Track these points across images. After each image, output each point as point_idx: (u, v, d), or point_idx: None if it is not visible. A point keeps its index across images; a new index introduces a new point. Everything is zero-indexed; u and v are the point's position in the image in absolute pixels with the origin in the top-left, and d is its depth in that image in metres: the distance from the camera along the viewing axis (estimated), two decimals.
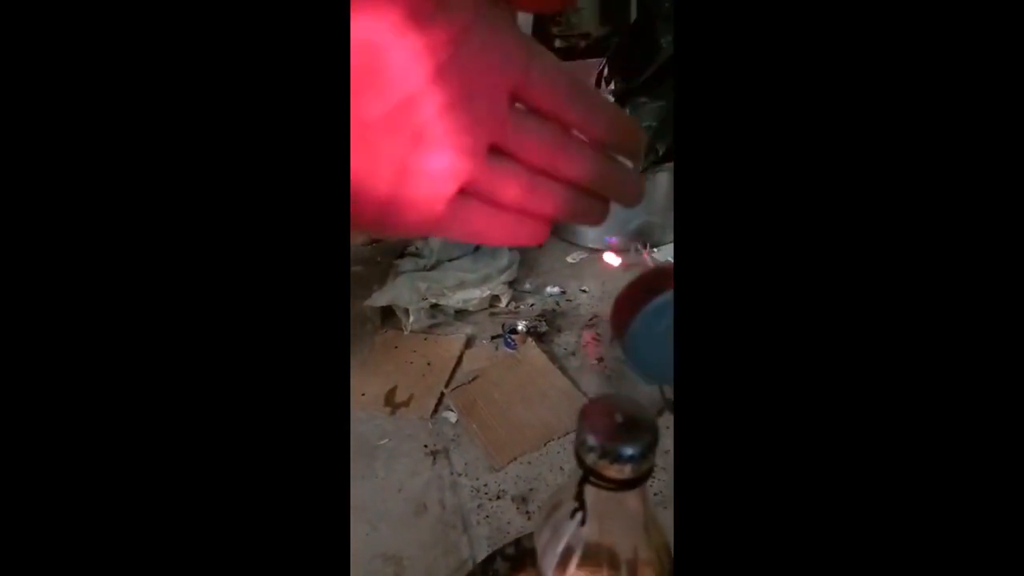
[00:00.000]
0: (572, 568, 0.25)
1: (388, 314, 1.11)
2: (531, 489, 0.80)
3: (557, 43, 1.53)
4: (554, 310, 1.11)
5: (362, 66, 0.16)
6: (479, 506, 0.80)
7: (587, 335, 1.05)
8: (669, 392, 0.24)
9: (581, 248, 1.24)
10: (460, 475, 0.84)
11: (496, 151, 0.18)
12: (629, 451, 0.21)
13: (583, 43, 1.41)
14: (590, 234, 1.21)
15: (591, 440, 0.21)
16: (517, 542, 0.45)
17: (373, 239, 1.33)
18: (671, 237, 1.25)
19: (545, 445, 0.86)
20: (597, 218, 0.21)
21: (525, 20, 1.69)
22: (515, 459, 0.84)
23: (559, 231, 1.29)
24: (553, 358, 1.00)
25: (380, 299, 1.13)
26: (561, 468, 0.82)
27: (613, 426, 0.22)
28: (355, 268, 1.26)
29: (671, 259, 0.23)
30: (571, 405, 0.91)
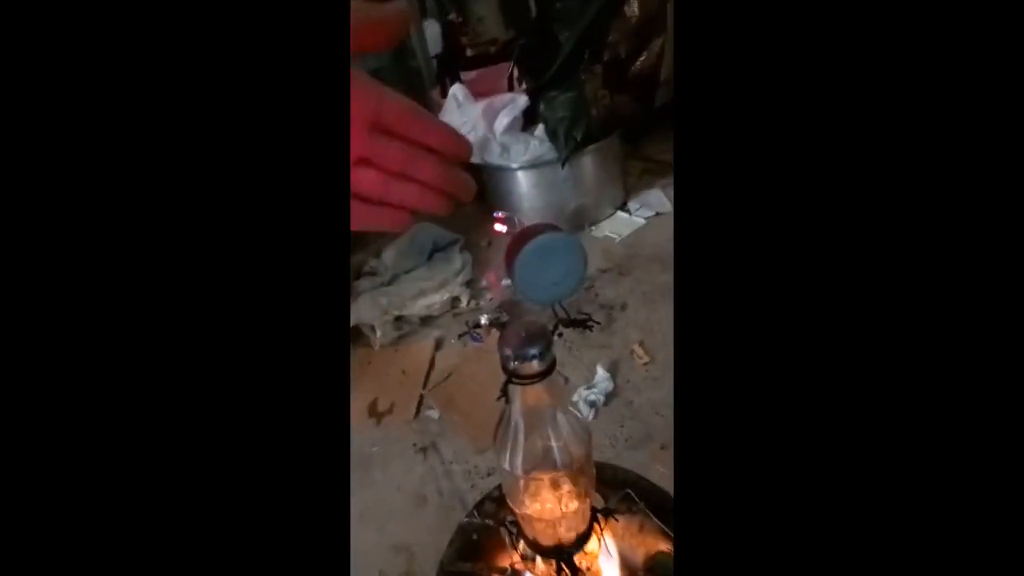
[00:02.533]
0: (519, 455, 0.32)
1: (356, 334, 1.17)
2: None
3: (468, 52, 1.60)
4: (511, 299, 1.19)
5: None
6: (473, 486, 0.86)
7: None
8: (559, 311, 0.32)
9: (503, 236, 1.32)
10: (451, 463, 0.90)
11: (362, 163, 0.26)
12: (532, 351, 0.29)
13: (492, 49, 1.50)
14: (508, 225, 1.29)
15: (507, 351, 0.29)
16: (500, 486, 0.52)
17: None
18: (606, 213, 1.34)
19: None
20: (445, 209, 0.28)
21: (434, 34, 1.74)
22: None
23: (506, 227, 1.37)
24: None
25: None
26: None
27: (520, 339, 0.29)
28: None
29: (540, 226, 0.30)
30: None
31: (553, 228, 0.29)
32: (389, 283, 1.26)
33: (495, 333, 1.10)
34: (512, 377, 0.30)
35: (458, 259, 1.27)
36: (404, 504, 0.86)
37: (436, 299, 1.19)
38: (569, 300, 0.32)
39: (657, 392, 0.92)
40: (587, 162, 1.25)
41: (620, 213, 1.34)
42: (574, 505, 0.36)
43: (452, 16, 1.66)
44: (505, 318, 1.14)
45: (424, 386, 1.04)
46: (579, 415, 0.33)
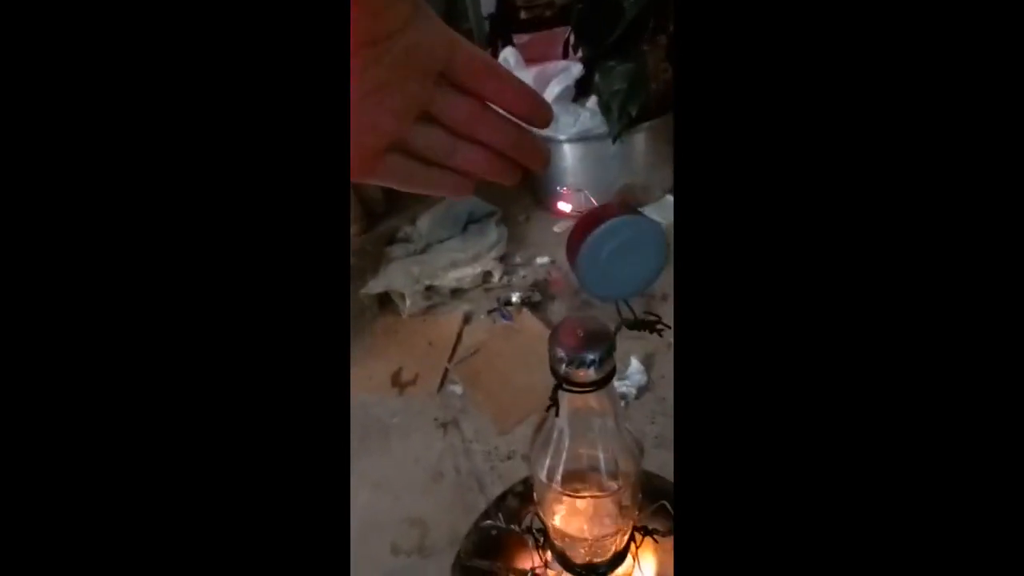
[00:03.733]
0: (560, 467, 0.28)
1: (385, 301, 1.15)
2: None
3: (523, 14, 1.53)
4: (546, 279, 1.14)
5: None
6: (492, 468, 0.84)
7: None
8: (624, 310, 0.27)
9: (567, 218, 1.27)
10: (471, 442, 0.88)
11: (427, 118, 0.22)
12: (591, 356, 0.24)
13: (548, 12, 1.42)
14: (575, 204, 1.23)
15: (560, 353, 0.25)
16: (524, 481, 0.49)
17: (364, 229, 1.35)
18: (654, 196, 1.27)
19: None
20: (511, 179, 0.24)
21: None
22: (521, 422, 0.88)
23: (544, 203, 1.32)
24: (549, 324, 1.03)
25: (376, 287, 1.16)
26: None
27: (577, 339, 0.25)
28: None
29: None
30: None
31: (630, 210, 0.24)
32: (422, 252, 1.23)
33: (526, 313, 1.06)
34: (563, 383, 0.26)
35: (494, 232, 1.23)
36: (421, 478, 0.84)
37: (468, 272, 1.16)
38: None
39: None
40: (639, 140, 1.18)
41: (669, 197, 1.27)
42: (613, 526, 0.32)
43: None
44: (538, 298, 1.10)
45: (450, 360, 1.01)
46: (631, 428, 0.29)
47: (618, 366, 0.92)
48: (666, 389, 0.89)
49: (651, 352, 0.94)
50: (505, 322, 1.06)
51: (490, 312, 1.09)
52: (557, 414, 0.27)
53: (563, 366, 0.25)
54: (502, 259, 1.19)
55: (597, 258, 0.23)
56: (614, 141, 1.12)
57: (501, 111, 0.24)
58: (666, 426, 0.84)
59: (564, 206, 0.28)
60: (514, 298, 1.08)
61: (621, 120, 1.09)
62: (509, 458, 0.84)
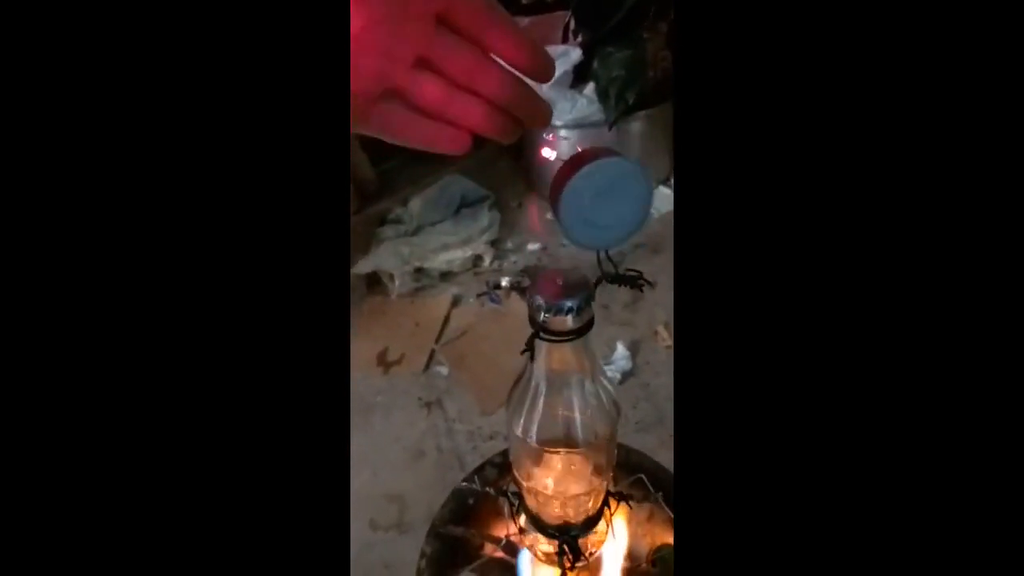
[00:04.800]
0: (535, 422, 0.28)
1: (374, 281, 1.14)
2: None
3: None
4: (536, 265, 1.14)
5: None
6: (474, 447, 0.84)
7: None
8: (605, 263, 0.27)
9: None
10: (454, 421, 0.87)
11: (423, 64, 0.21)
12: (569, 304, 0.24)
13: None
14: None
15: (539, 300, 0.25)
16: (504, 452, 0.48)
17: (356, 210, 1.34)
18: None
19: None
20: (509, 136, 0.23)
21: None
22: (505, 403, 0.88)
23: (538, 190, 1.31)
24: None
25: (365, 266, 1.15)
26: None
27: (556, 287, 0.25)
28: None
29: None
30: None
31: (613, 153, 0.23)
32: (413, 233, 1.22)
33: (515, 297, 1.06)
34: (540, 331, 0.26)
35: (486, 217, 1.22)
36: (402, 456, 0.84)
37: (459, 255, 1.15)
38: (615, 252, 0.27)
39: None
40: (635, 128, 1.17)
41: (662, 188, 1.27)
42: (587, 485, 0.32)
43: None
44: (527, 283, 1.09)
45: (437, 341, 1.01)
46: (609, 387, 0.29)
47: (604, 350, 0.92)
48: (650, 375, 0.89)
49: (637, 339, 0.94)
50: (493, 305, 1.06)
51: (479, 296, 1.09)
52: (532, 359, 0.27)
53: (541, 313, 0.25)
54: (493, 243, 1.18)
55: (580, 202, 0.23)
56: (611, 128, 1.11)
57: (502, 62, 0.23)
58: (648, 412, 0.84)
59: (548, 152, 0.28)
60: (503, 282, 1.08)
61: (618, 107, 1.08)
62: (491, 438, 0.84)
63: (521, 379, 0.30)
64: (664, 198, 1.25)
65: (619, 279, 0.27)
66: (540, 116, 0.24)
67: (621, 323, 0.97)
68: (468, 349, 0.99)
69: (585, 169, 0.23)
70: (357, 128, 0.23)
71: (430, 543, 0.44)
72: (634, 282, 0.27)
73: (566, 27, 1.14)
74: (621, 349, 0.91)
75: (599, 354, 0.91)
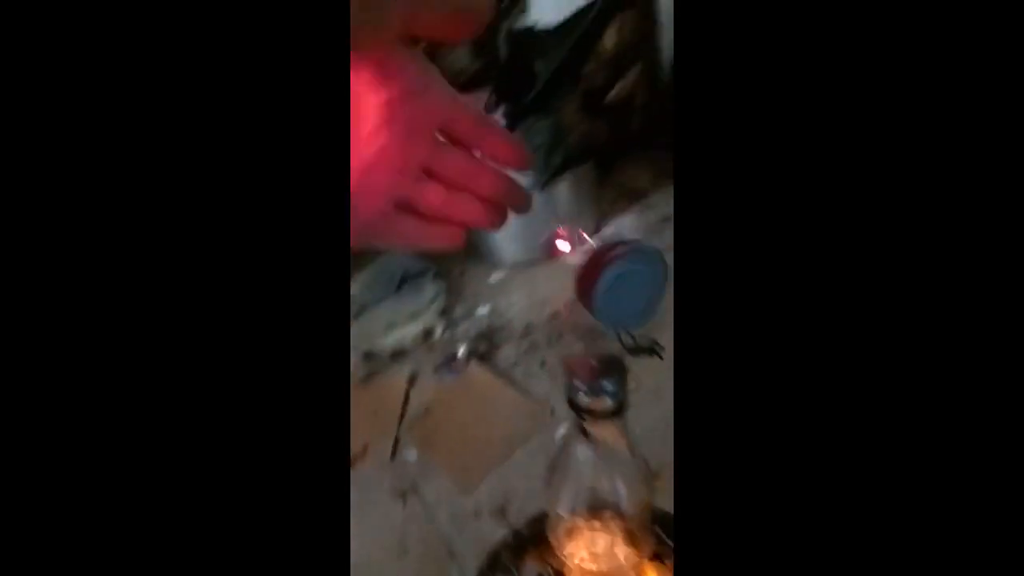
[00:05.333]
0: (578, 498, 0.28)
1: None
2: (508, 499, 0.81)
3: None
4: (489, 328, 1.14)
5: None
6: (460, 531, 0.80)
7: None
8: (626, 339, 0.28)
9: (500, 267, 1.29)
10: (434, 507, 0.83)
11: (427, 174, 0.23)
12: (610, 385, 0.25)
13: (462, 78, 1.49)
14: (507, 253, 1.26)
15: (579, 384, 0.25)
16: (514, 533, 0.47)
17: None
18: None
19: (510, 455, 0.88)
20: (499, 224, 0.25)
21: None
22: (484, 478, 0.85)
23: (478, 252, 1.33)
24: (498, 373, 1.03)
25: None
26: (530, 473, 0.84)
27: (592, 370, 0.26)
28: None
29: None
30: (526, 412, 0.94)
31: (635, 245, 0.25)
32: (356, 316, 1.18)
33: (474, 365, 1.05)
34: (582, 413, 0.26)
35: (430, 288, 1.22)
36: (383, 555, 0.78)
37: (408, 331, 1.13)
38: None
39: (648, 418, 0.90)
40: (562, 188, 1.25)
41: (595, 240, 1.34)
42: (627, 556, 0.32)
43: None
44: (484, 348, 1.09)
45: (399, 425, 0.97)
46: (645, 459, 0.30)
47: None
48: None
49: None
50: (453, 377, 1.04)
51: (436, 369, 1.06)
52: (591, 441, 0.27)
53: (582, 397, 0.26)
54: (443, 313, 1.18)
55: (613, 294, 0.25)
56: (541, 190, 1.18)
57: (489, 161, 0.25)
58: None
59: (563, 245, 0.29)
60: (460, 352, 1.07)
61: (547, 171, 1.15)
62: (477, 516, 0.81)
63: (558, 458, 0.30)
64: None
65: (639, 350, 0.28)
66: (524, 201, 0.27)
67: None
68: (435, 428, 0.95)
69: (614, 266, 0.24)
70: (373, 242, 0.24)
71: None
72: (652, 351, 0.29)
73: (487, 104, 1.22)
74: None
75: (559, 414, 0.91)
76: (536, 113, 1.21)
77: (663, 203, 1.42)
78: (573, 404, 0.26)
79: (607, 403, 0.26)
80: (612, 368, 0.26)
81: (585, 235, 0.30)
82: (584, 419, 0.26)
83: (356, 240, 0.22)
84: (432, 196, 0.24)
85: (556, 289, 1.22)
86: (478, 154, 0.25)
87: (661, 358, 0.30)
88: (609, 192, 1.47)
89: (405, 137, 0.22)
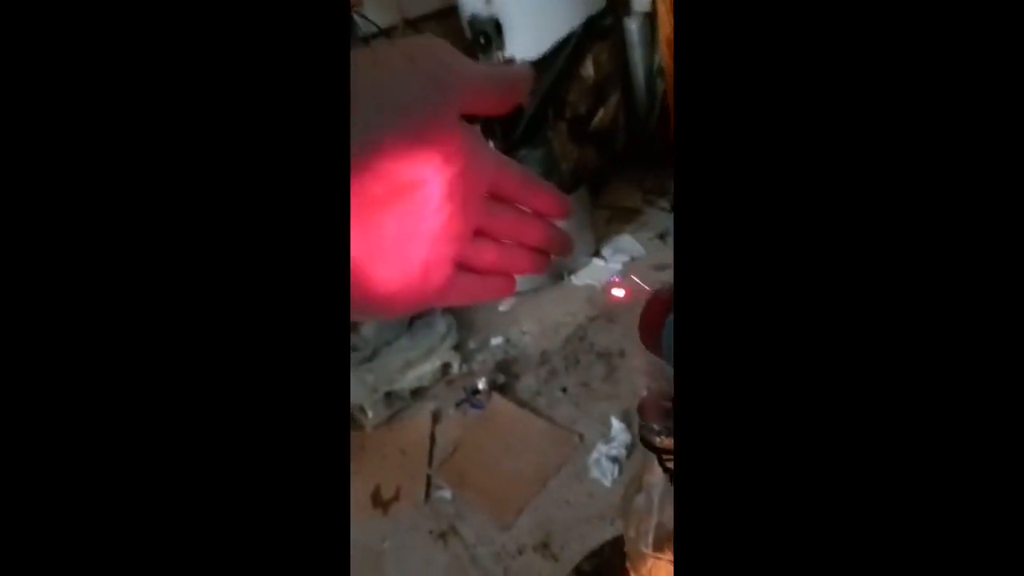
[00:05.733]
0: (658, 531, 0.29)
1: None
2: (548, 532, 0.81)
3: None
4: (505, 359, 1.15)
5: (408, 195, 0.21)
6: (506, 569, 0.80)
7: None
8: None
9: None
10: (475, 546, 0.83)
11: (481, 234, 0.25)
12: None
13: None
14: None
15: (655, 426, 0.27)
16: (577, 570, 0.47)
17: None
18: (581, 263, 1.36)
19: (544, 486, 0.88)
20: (543, 269, 0.28)
21: None
22: (522, 510, 0.85)
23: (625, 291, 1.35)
24: (521, 403, 1.03)
25: None
26: (567, 502, 0.85)
27: (664, 410, 0.27)
28: None
29: (666, 282, 0.29)
30: (555, 440, 0.95)
31: None
32: (371, 358, 1.19)
33: (495, 397, 1.06)
34: (660, 453, 0.28)
35: (441, 322, 1.23)
36: None
37: (426, 368, 1.14)
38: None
39: None
40: None
41: (596, 261, 1.37)
42: None
43: None
44: (502, 379, 1.10)
45: (429, 464, 0.97)
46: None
47: (601, 429, 0.94)
48: None
49: (626, 408, 0.97)
50: (476, 411, 1.05)
51: (458, 405, 1.07)
52: (672, 479, 0.28)
53: (661, 437, 0.27)
54: (456, 348, 1.19)
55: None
56: None
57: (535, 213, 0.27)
58: None
59: (618, 292, 0.31)
60: (480, 385, 1.08)
61: None
62: (521, 552, 0.81)
63: (634, 493, 0.31)
64: (600, 270, 1.35)
65: None
66: (568, 247, 0.29)
67: (606, 397, 1.00)
68: (466, 464, 0.96)
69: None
70: (441, 303, 0.26)
71: None
72: None
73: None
74: (616, 424, 0.93)
75: (590, 440, 0.91)
76: (527, 145, 1.26)
77: (656, 220, 1.46)
78: (650, 445, 0.28)
79: None
80: None
81: (638, 280, 0.32)
82: (660, 458, 0.28)
83: (428, 304, 0.24)
84: (487, 254, 0.25)
85: (567, 313, 1.23)
86: (524, 208, 0.27)
87: None
88: (603, 214, 1.51)
89: (463, 206, 0.24)
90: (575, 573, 0.47)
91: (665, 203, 1.48)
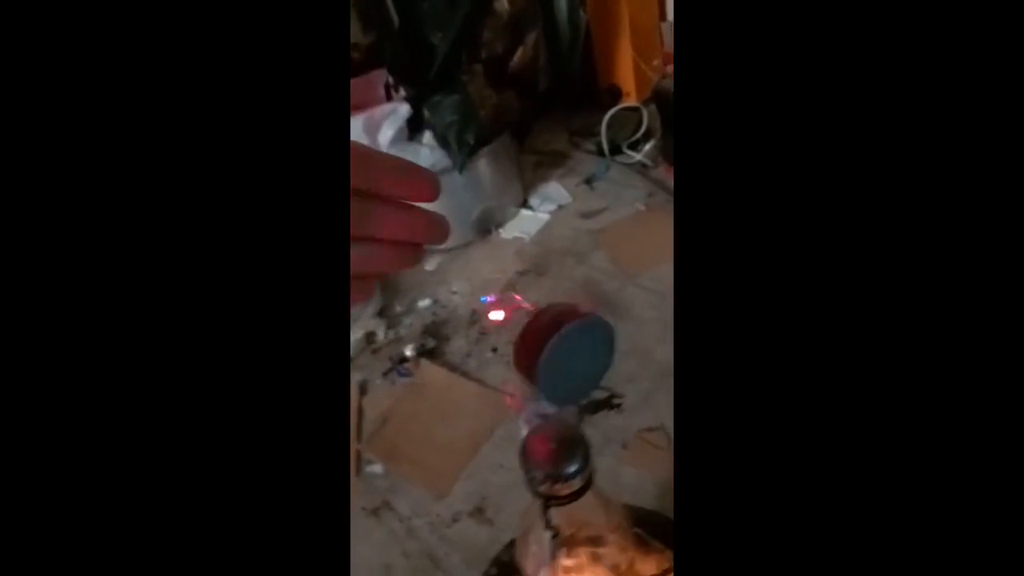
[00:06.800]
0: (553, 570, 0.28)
1: None
2: (483, 497, 0.82)
3: None
4: (434, 321, 1.12)
5: None
6: (442, 538, 0.80)
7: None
8: (579, 411, 0.27)
9: (436, 251, 1.25)
10: (410, 518, 0.82)
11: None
12: (572, 468, 0.24)
13: (356, 55, 1.38)
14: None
15: (539, 473, 0.24)
16: (496, 561, 0.46)
17: None
18: (510, 214, 1.31)
19: (478, 451, 0.88)
20: (413, 263, 0.24)
21: None
22: (456, 478, 0.85)
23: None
24: (452, 367, 1.01)
25: None
26: (501, 465, 0.85)
27: (551, 453, 0.24)
28: None
29: (553, 303, 0.26)
30: (486, 403, 0.94)
31: (571, 309, 0.23)
32: None
33: (425, 363, 1.03)
34: (548, 500, 0.25)
35: None
36: None
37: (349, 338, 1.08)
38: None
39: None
40: (482, 164, 1.20)
41: (524, 211, 1.32)
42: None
43: None
44: (432, 343, 1.07)
45: (358, 439, 0.94)
46: (610, 498, 0.29)
47: (531, 387, 0.93)
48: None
49: None
50: (405, 380, 1.02)
51: (386, 374, 1.03)
52: (556, 535, 0.26)
53: (546, 485, 0.24)
54: (381, 314, 1.13)
55: (555, 368, 0.23)
56: (460, 171, 1.13)
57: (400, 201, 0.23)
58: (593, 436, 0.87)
59: (497, 315, 0.27)
60: (408, 352, 1.04)
61: (462, 150, 1.10)
62: (456, 520, 0.81)
63: (528, 536, 0.29)
64: (528, 220, 1.30)
65: (598, 407, 0.27)
66: (439, 232, 0.25)
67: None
68: (397, 436, 0.93)
69: (555, 339, 0.22)
70: None
71: None
72: (610, 404, 0.28)
73: (387, 85, 1.13)
74: None
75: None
76: (441, 91, 1.15)
77: (584, 165, 1.41)
78: (536, 492, 0.25)
79: (573, 485, 0.24)
80: (573, 446, 0.24)
81: (519, 298, 0.28)
82: (549, 505, 0.25)
83: None
84: (355, 256, 0.22)
85: (497, 269, 1.20)
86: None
87: (620, 408, 0.29)
88: (530, 159, 1.44)
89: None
90: (495, 563, 0.47)
91: (591, 145, 1.43)
